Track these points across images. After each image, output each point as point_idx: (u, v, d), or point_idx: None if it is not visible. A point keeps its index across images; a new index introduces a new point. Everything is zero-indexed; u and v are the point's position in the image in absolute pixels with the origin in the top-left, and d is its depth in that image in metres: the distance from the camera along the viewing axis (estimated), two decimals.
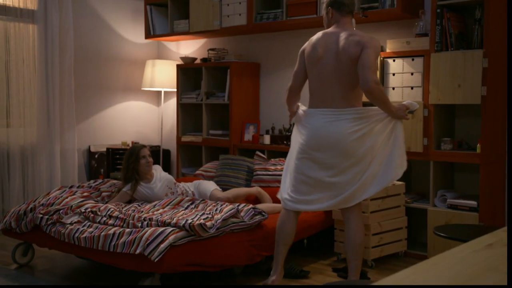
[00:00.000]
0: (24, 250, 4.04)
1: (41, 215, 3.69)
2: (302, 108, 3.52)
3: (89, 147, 5.76)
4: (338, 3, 3.41)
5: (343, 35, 3.33)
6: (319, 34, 3.45)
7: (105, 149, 5.76)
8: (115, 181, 4.40)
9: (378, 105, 3.29)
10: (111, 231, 3.29)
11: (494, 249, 1.56)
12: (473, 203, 3.93)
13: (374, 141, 3.28)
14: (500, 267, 1.36)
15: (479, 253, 1.52)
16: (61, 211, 3.69)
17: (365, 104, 3.48)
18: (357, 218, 3.40)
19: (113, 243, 3.22)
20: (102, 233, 3.31)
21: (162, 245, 3.08)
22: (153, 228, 3.23)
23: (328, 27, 3.47)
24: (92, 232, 3.37)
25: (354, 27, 4.13)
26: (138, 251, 3.11)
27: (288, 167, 3.53)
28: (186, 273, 3.61)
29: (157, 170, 4.32)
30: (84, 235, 3.36)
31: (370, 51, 3.21)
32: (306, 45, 3.50)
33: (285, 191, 3.47)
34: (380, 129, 3.31)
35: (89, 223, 3.52)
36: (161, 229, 3.20)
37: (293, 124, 4.51)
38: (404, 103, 3.40)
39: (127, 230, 3.27)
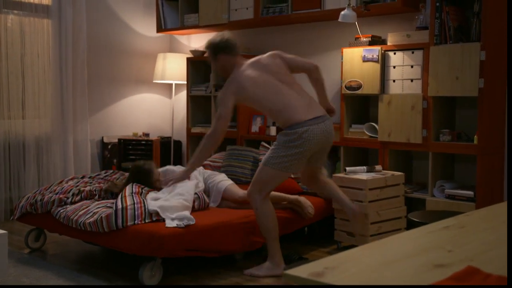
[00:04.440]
0: (36, 235, 4.23)
1: (52, 199, 3.90)
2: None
3: (102, 138, 5.94)
4: (230, 47, 3.68)
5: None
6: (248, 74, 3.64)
7: (117, 140, 5.93)
8: (124, 173, 4.57)
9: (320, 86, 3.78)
10: (111, 211, 3.49)
11: (449, 231, 1.67)
12: (470, 193, 4.01)
13: None
14: (446, 246, 1.48)
15: (433, 234, 1.63)
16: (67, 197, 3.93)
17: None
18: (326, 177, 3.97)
19: (119, 221, 3.42)
20: (103, 215, 3.48)
21: None
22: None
23: (231, 72, 3.68)
24: (96, 216, 3.54)
25: (355, 21, 4.29)
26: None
27: None
28: (188, 258, 3.76)
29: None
30: (89, 220, 3.53)
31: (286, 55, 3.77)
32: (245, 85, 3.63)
33: None
34: None
35: (96, 207, 3.71)
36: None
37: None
38: None
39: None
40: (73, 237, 3.87)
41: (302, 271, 1.24)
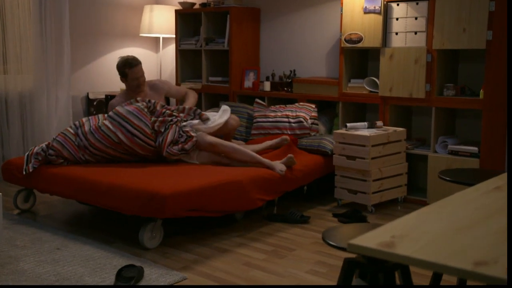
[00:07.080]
0: (26, 196, 4.05)
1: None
2: None
3: (88, 94, 5.70)
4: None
5: None
6: None
7: (103, 96, 5.71)
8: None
9: None
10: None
11: (502, 192, 1.55)
12: (474, 149, 3.93)
13: None
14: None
15: (488, 196, 1.51)
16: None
17: None
18: None
19: None
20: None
21: None
22: None
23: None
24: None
25: None
26: None
27: None
28: (187, 219, 3.64)
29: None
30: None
31: None
32: None
33: None
34: None
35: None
36: None
37: (293, 71, 4.59)
38: None
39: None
40: (67, 197, 3.71)
41: (369, 241, 1.11)
